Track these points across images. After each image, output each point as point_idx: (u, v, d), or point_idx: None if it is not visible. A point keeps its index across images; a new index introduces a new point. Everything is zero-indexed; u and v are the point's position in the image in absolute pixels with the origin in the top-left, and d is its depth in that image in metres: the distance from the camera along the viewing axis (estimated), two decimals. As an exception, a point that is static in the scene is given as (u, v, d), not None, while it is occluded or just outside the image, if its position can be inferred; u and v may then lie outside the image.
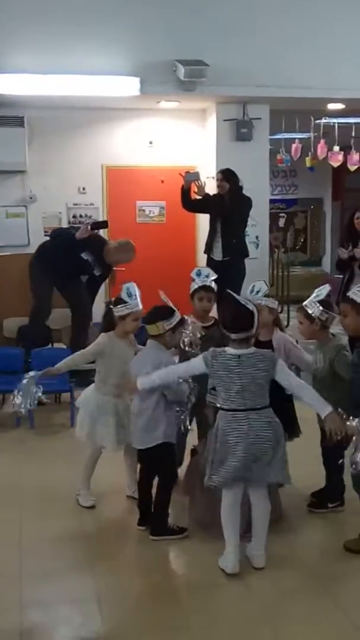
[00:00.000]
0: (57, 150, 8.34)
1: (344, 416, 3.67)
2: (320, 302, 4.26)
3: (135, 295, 4.54)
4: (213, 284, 4.85)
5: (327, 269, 12.98)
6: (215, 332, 4.54)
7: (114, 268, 7.56)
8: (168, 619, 3.44)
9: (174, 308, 4.24)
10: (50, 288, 7.23)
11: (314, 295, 4.32)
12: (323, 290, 4.31)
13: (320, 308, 4.25)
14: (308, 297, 4.37)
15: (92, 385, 4.72)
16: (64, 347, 7.02)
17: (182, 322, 4.26)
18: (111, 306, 4.62)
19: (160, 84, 7.83)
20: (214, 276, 4.90)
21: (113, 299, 4.70)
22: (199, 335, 4.47)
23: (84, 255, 7.16)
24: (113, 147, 8.75)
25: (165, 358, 4.17)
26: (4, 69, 7.33)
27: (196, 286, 4.81)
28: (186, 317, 4.42)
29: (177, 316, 4.21)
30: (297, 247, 13.32)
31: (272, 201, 9.98)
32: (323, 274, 12.82)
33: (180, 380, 4.05)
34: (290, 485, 4.05)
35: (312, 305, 4.29)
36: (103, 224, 7.49)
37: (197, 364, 3.87)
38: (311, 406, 3.82)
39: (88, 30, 7.60)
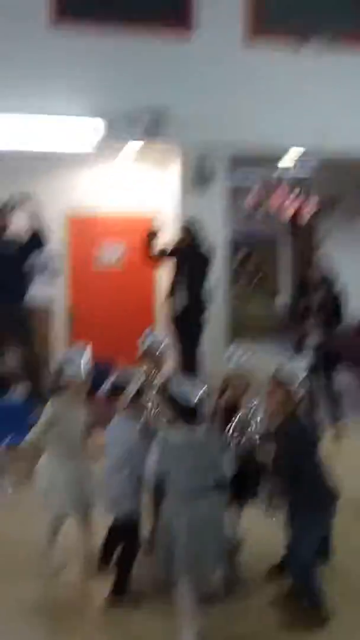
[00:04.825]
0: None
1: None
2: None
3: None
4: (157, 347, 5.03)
5: (283, 309, 13.18)
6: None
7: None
8: None
9: (127, 381, 4.20)
10: None
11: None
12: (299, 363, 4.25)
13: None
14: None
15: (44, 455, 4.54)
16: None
17: (139, 393, 4.22)
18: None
19: (123, 131, 7.88)
20: (161, 338, 5.20)
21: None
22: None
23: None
24: (74, 193, 8.76)
25: (133, 439, 4.11)
26: None
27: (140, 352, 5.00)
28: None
29: (131, 390, 4.16)
30: (253, 285, 13.60)
31: (231, 241, 10.07)
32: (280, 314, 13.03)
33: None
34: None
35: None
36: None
37: (156, 457, 3.71)
38: None
39: (49, 74, 7.63)
